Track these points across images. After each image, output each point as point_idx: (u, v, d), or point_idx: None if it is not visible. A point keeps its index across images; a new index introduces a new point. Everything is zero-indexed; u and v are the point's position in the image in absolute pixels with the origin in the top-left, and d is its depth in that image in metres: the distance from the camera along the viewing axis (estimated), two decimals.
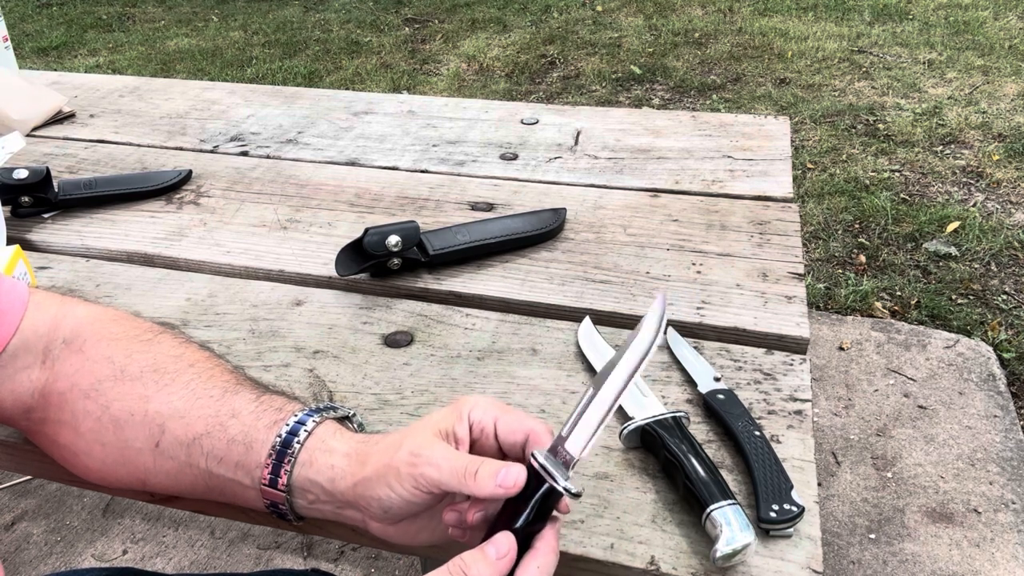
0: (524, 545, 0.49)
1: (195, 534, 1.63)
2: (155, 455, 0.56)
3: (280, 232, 0.97)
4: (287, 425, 0.55)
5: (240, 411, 0.56)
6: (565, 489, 0.48)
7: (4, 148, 1.04)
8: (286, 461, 0.53)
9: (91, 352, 0.59)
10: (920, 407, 1.87)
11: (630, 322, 0.80)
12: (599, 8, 4.93)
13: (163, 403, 0.57)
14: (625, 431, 0.64)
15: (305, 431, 0.54)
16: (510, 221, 0.94)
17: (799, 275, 0.86)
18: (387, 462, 0.51)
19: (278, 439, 0.54)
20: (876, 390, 1.93)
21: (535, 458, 0.49)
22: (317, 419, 0.55)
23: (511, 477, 0.48)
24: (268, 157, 1.18)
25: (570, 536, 0.58)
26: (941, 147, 3.05)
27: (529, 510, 0.49)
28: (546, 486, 0.48)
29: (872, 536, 1.58)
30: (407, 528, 0.53)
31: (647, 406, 0.66)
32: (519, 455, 0.52)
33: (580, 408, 0.50)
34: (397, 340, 0.78)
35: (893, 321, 2.17)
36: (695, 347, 0.75)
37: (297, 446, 0.54)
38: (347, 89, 3.40)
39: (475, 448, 0.53)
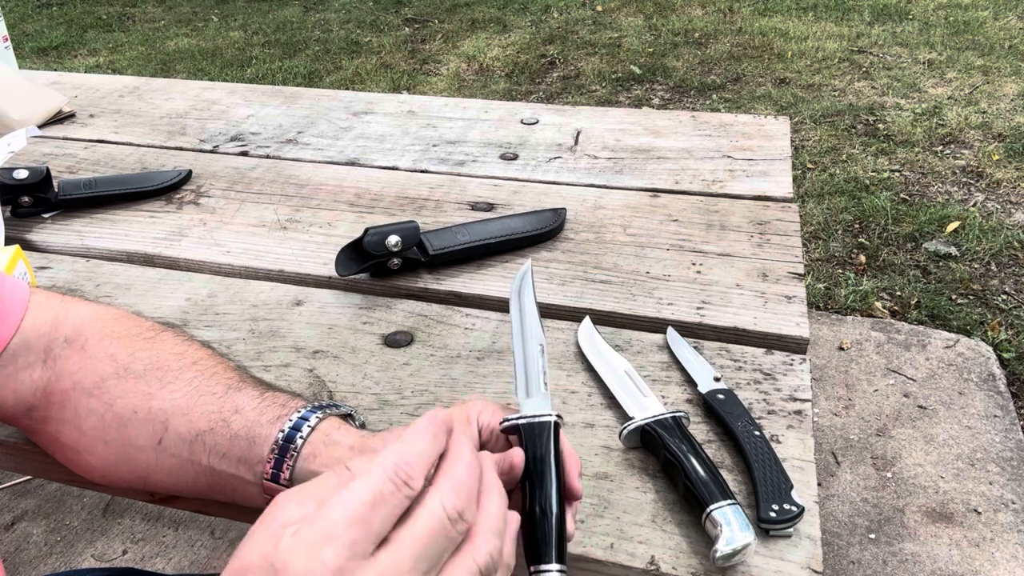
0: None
1: (195, 534, 1.63)
2: (157, 452, 0.57)
3: (280, 232, 0.97)
4: (290, 420, 0.55)
5: (243, 407, 0.56)
6: (544, 417, 0.51)
7: (10, 146, 1.04)
8: (289, 456, 0.53)
9: (93, 350, 0.60)
10: (920, 407, 1.87)
11: (630, 322, 0.81)
12: (599, 8, 4.93)
13: (166, 400, 0.57)
14: (625, 431, 0.64)
15: (308, 426, 0.54)
16: (510, 221, 0.94)
17: (799, 275, 0.86)
18: None
19: (281, 434, 0.54)
20: (876, 390, 1.93)
21: (508, 420, 0.51)
22: (320, 415, 0.56)
23: (508, 458, 0.49)
24: (268, 157, 1.18)
25: None
26: (941, 147, 3.05)
27: (542, 464, 0.50)
28: (532, 421, 0.51)
29: (872, 536, 1.58)
30: None
31: (647, 406, 0.66)
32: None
33: (519, 366, 0.54)
34: (397, 340, 0.78)
35: (893, 321, 2.17)
36: (695, 347, 0.75)
37: (300, 441, 0.54)
38: (347, 89, 3.40)
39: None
